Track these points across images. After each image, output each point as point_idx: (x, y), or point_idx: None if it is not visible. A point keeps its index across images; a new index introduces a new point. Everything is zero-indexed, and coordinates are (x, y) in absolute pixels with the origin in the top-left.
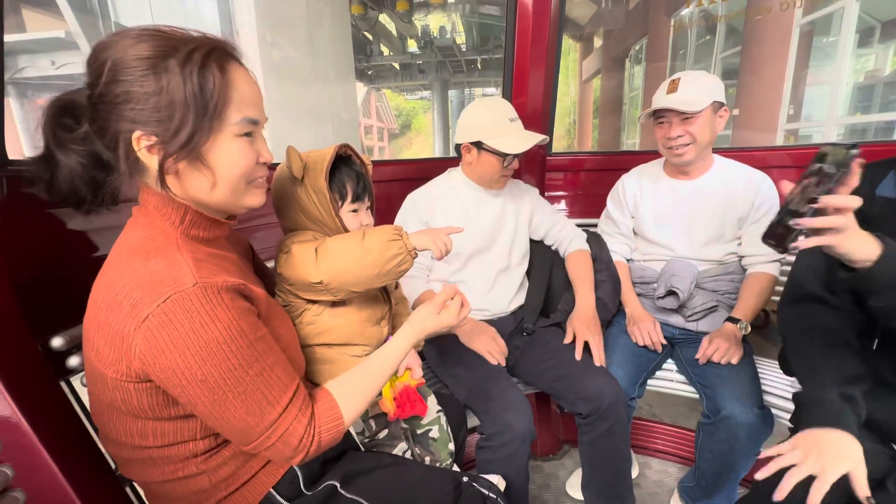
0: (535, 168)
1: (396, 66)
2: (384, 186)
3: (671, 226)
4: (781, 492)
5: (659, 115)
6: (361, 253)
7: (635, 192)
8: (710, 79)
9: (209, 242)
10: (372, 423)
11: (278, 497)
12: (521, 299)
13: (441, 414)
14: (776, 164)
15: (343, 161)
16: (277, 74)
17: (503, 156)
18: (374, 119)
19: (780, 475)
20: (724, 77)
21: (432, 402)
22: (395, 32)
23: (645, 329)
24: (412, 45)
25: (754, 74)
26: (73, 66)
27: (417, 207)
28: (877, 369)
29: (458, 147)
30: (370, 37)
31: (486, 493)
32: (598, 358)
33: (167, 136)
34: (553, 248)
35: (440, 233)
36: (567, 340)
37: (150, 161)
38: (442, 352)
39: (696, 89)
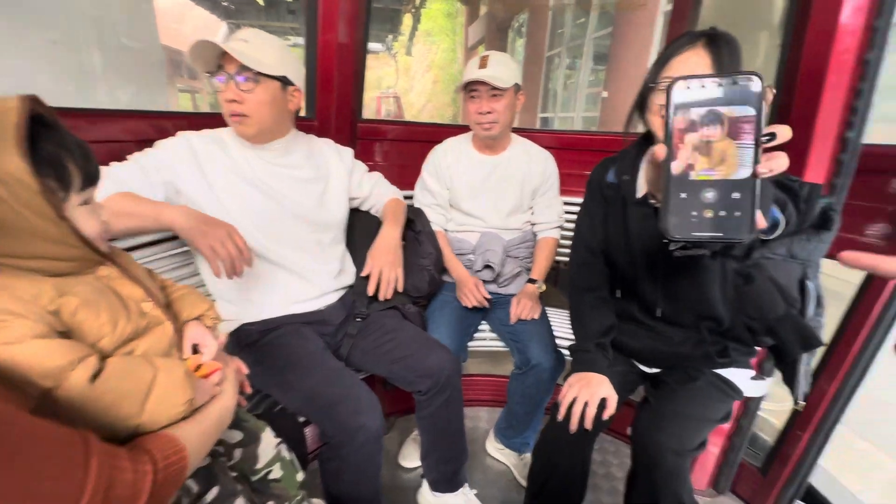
0: (346, 133)
1: (260, 1)
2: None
3: (482, 197)
4: (573, 423)
5: (471, 88)
6: (142, 401)
7: (451, 163)
8: (513, 62)
9: None
10: (191, 483)
11: None
12: (348, 279)
13: (281, 446)
14: (547, 145)
15: (41, 124)
16: None
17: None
18: None
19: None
20: (596, 61)
21: (268, 437)
22: None
23: (470, 291)
24: None
25: (622, 58)
26: None
27: (193, 146)
28: (627, 309)
29: None
30: None
31: None
32: (385, 292)
33: None
34: (372, 210)
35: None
36: (365, 271)
37: None
38: (261, 359)
39: (503, 68)
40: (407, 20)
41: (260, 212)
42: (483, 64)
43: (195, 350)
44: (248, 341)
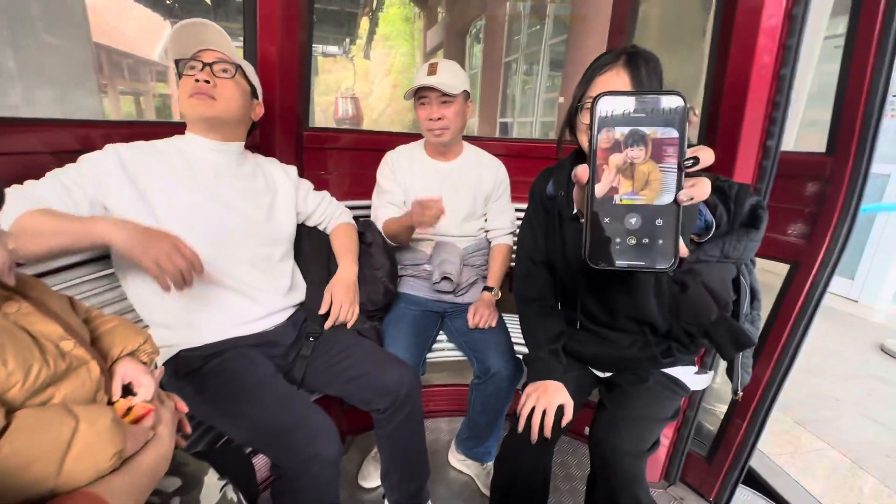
0: (290, 142)
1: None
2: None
3: None
4: (533, 434)
5: (421, 95)
6: (59, 460)
7: (405, 168)
8: (461, 69)
9: None
10: None
11: None
12: (298, 295)
13: (227, 487)
14: (497, 153)
15: None
16: None
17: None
18: None
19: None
20: (552, 67)
21: (212, 479)
22: None
23: (421, 210)
24: None
25: (577, 64)
26: None
27: (123, 158)
28: (574, 316)
29: None
30: None
31: None
32: (341, 317)
33: None
34: (320, 226)
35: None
36: (323, 308)
37: None
38: (203, 388)
39: (452, 76)
40: (364, 24)
41: (203, 226)
42: (432, 71)
43: (127, 390)
44: (188, 369)
